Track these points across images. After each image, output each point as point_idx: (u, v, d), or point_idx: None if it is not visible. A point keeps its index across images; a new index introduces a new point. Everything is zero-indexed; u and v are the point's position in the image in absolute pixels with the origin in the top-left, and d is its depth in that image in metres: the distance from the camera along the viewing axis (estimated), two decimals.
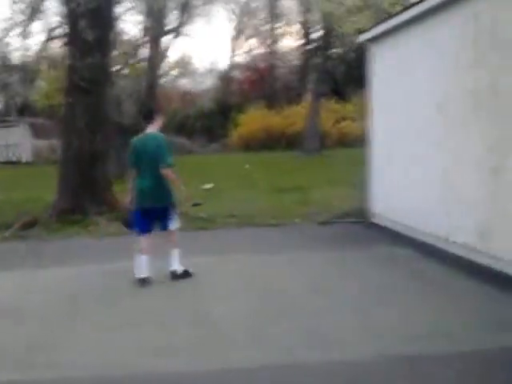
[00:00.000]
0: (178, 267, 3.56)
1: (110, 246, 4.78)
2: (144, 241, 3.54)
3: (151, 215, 3.53)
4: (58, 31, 7.89)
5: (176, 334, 2.63)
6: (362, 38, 5.45)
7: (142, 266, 3.48)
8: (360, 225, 5.25)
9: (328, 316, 2.75)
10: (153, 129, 3.59)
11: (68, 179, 6.05)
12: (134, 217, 3.57)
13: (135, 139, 3.61)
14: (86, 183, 5.98)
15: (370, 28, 5.27)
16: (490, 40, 3.40)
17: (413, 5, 4.36)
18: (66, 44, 6.64)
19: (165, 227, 3.57)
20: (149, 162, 3.48)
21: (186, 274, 3.57)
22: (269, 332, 2.57)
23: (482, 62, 3.48)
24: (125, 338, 2.58)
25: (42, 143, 18.07)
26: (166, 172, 3.45)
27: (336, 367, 2.15)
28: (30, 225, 5.59)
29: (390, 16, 4.81)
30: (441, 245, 4.00)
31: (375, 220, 5.27)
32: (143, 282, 3.47)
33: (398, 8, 6.26)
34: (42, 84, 18.39)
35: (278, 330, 2.58)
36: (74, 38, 6.06)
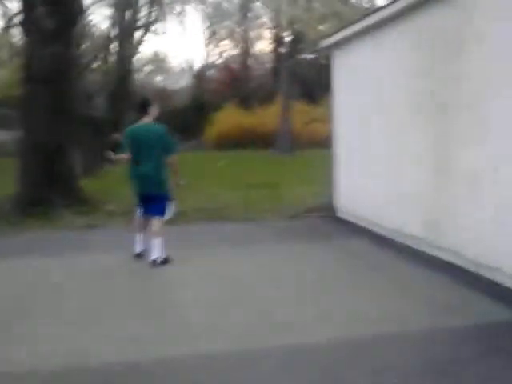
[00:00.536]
0: (158, 255, 3.64)
1: (73, 239, 4.73)
2: (138, 220, 3.80)
3: (146, 201, 3.70)
4: (18, 18, 7.60)
5: (138, 322, 2.64)
6: (325, 43, 5.70)
7: (136, 243, 3.78)
8: (325, 219, 5.49)
9: (282, 303, 2.85)
10: (148, 119, 3.68)
11: (28, 171, 5.86)
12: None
13: (133, 127, 3.73)
14: (47, 175, 5.81)
15: (332, 34, 5.54)
16: (431, 51, 3.72)
17: (367, 15, 4.68)
18: (23, 31, 6.37)
19: (156, 214, 3.67)
20: (149, 150, 3.59)
21: (166, 261, 3.67)
22: (224, 319, 2.63)
23: (424, 70, 3.80)
24: (85, 329, 2.54)
25: (4, 135, 17.11)
26: (173, 160, 3.67)
27: (288, 351, 2.22)
28: None
29: (349, 24, 5.10)
30: (394, 237, 4.29)
31: (340, 214, 5.54)
32: (137, 256, 3.77)
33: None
34: (2, 73, 17.42)
35: (233, 317, 2.64)
36: (31, 26, 5.85)
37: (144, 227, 3.80)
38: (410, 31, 4.03)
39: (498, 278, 3.07)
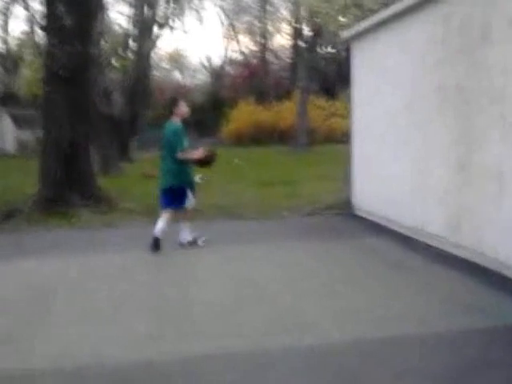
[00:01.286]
0: (187, 237, 4.09)
1: (92, 238, 4.77)
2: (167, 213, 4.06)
3: (169, 193, 4.01)
4: (40, 19, 7.75)
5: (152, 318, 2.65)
6: (345, 35, 5.53)
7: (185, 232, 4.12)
8: (343, 217, 5.38)
9: (298, 302, 2.80)
10: (175, 118, 4.02)
11: (49, 170, 5.94)
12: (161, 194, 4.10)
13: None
14: (67, 174, 5.88)
15: (352, 26, 5.36)
16: (457, 41, 3.52)
17: (389, 4, 4.47)
18: (43, 30, 6.47)
19: (178, 205, 4.02)
20: (165, 146, 4.01)
21: (193, 243, 4.09)
22: (243, 318, 2.60)
23: (449, 62, 3.61)
24: (102, 327, 2.55)
25: (28, 135, 17.73)
26: (180, 156, 3.92)
27: (305, 352, 2.18)
28: (10, 216, 5.51)
29: (371, 14, 4.87)
30: (415, 235, 4.13)
31: (357, 212, 5.39)
32: (190, 244, 4.11)
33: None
34: (26, 73, 17.94)
35: (252, 316, 2.61)
36: (52, 24, 5.93)
37: (179, 217, 4.13)
38: (434, 20, 3.82)
39: None
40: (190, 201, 4.05)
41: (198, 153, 4.05)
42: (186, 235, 4.13)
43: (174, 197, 3.98)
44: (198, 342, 2.33)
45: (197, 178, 4.13)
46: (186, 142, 4.00)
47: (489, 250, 3.23)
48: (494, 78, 3.15)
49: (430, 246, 3.85)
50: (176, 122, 4.01)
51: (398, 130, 4.49)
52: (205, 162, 4.10)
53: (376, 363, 2.05)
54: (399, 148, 4.44)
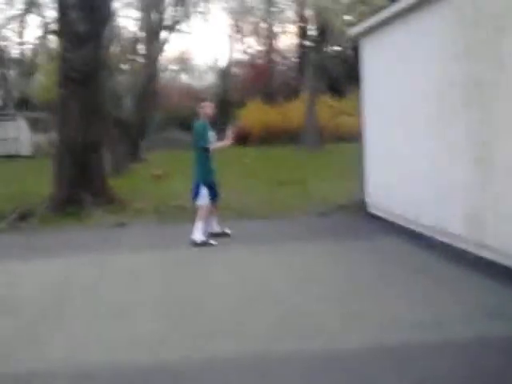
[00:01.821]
0: (197, 237, 4.22)
1: (102, 238, 4.81)
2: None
3: (202, 187, 4.31)
4: (54, 25, 7.94)
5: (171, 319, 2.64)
6: (353, 31, 5.49)
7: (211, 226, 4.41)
8: (357, 216, 5.30)
9: (314, 305, 2.75)
10: (202, 117, 4.38)
11: (63, 171, 6.07)
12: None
13: None
14: (80, 175, 6.00)
15: (360, 22, 5.31)
16: (471, 33, 3.45)
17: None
18: (57, 35, 6.63)
19: (194, 200, 4.36)
20: (192, 144, 4.40)
21: (204, 244, 4.21)
22: (254, 320, 2.57)
23: (463, 55, 3.54)
24: (111, 328, 2.54)
25: (41, 137, 18.08)
26: (212, 148, 4.29)
27: (320, 356, 2.12)
28: (25, 216, 5.62)
29: (380, 9, 4.82)
30: (432, 234, 4.03)
31: (371, 211, 5.32)
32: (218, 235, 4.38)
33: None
34: (40, 78, 18.35)
35: (263, 318, 2.58)
36: (65, 30, 6.09)
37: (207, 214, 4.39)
38: (445, 12, 3.76)
39: None
40: (213, 197, 4.37)
41: (227, 139, 4.42)
42: (212, 228, 4.42)
43: (208, 191, 4.28)
44: (205, 344, 2.29)
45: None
46: (212, 137, 4.35)
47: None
48: (508, 68, 3.07)
49: (449, 246, 3.73)
50: (203, 121, 4.35)
51: (412, 126, 4.37)
52: (239, 140, 4.46)
53: (396, 369, 1.97)
54: (415, 144, 4.31)
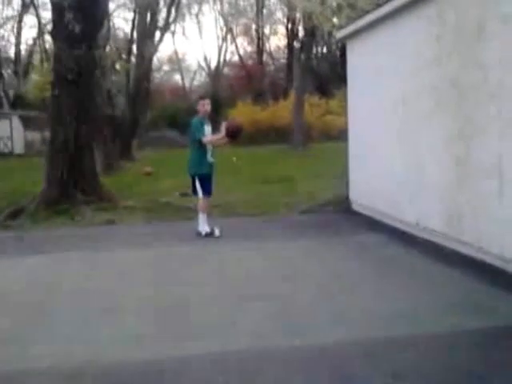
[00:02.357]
0: (201, 229, 4.42)
1: (93, 235, 4.75)
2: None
3: (197, 181, 4.47)
4: (49, 25, 8.01)
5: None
6: (340, 34, 5.54)
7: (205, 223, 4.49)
8: (340, 213, 5.38)
9: (294, 302, 2.74)
10: (198, 114, 4.55)
11: (54, 169, 5.98)
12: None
13: None
14: (72, 173, 5.96)
15: (347, 25, 5.43)
16: (452, 37, 3.53)
17: (383, 3, 4.50)
18: (52, 36, 6.69)
19: (194, 193, 4.56)
20: (189, 137, 4.60)
21: (210, 235, 4.40)
22: (236, 317, 2.53)
23: (444, 58, 3.61)
24: (104, 327, 2.48)
25: (34, 135, 18.01)
26: (205, 141, 4.39)
27: (300, 352, 2.11)
28: (16, 214, 5.53)
29: (365, 13, 5.00)
30: (413, 231, 4.11)
31: (355, 208, 5.40)
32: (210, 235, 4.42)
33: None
34: (34, 77, 18.26)
35: (246, 315, 2.54)
36: (60, 30, 6.13)
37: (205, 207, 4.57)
38: (429, 16, 3.77)
39: None
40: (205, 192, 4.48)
41: (221, 132, 4.43)
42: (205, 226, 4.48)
43: (200, 184, 4.43)
44: (198, 342, 2.25)
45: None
46: (207, 132, 4.48)
47: (489, 245, 3.09)
48: (489, 73, 3.09)
49: (428, 241, 3.78)
50: (201, 117, 4.49)
51: (394, 126, 4.45)
52: (234, 134, 4.51)
53: (374, 364, 1.98)
54: (396, 144, 4.40)
